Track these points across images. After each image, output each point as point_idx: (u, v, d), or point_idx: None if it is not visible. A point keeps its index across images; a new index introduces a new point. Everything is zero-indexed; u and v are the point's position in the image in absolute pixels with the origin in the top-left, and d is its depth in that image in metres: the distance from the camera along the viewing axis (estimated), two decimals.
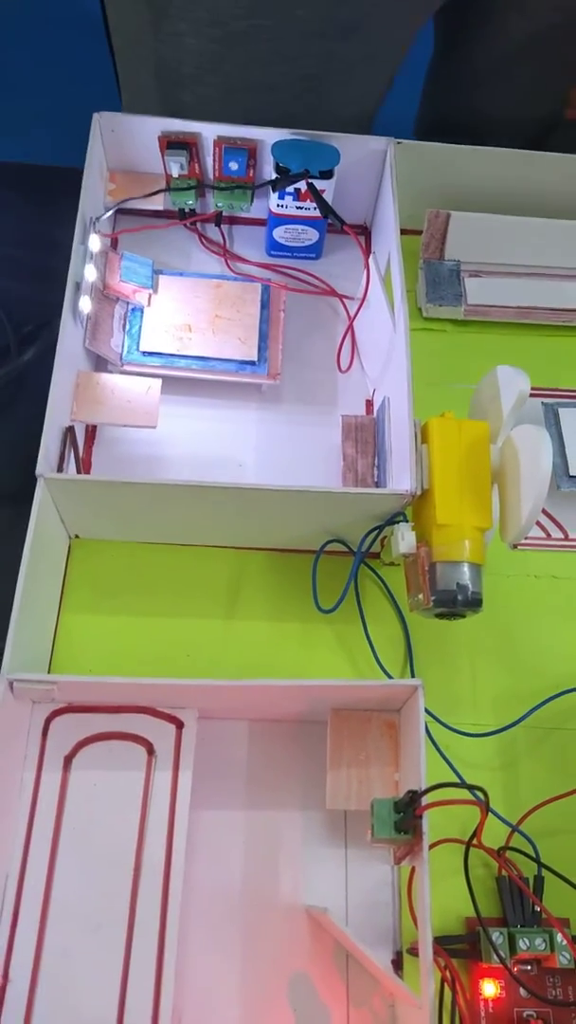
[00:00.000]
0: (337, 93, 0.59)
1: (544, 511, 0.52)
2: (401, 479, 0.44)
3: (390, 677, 0.47)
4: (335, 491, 0.43)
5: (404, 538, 0.43)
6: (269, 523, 0.47)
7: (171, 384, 0.51)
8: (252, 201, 0.56)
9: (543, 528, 0.51)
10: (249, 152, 0.53)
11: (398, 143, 0.54)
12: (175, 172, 0.54)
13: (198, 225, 0.58)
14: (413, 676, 0.47)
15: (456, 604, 0.42)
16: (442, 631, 0.48)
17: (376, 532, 0.45)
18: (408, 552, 0.43)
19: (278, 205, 0.55)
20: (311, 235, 0.57)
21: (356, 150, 0.54)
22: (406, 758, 0.41)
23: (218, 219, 0.57)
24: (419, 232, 0.57)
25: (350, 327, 0.56)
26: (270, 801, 0.43)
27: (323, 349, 0.56)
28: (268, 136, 0.53)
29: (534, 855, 0.43)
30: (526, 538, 0.51)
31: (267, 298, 0.55)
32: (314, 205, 0.54)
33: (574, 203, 0.57)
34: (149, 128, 0.53)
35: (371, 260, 0.53)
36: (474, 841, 0.37)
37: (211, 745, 0.44)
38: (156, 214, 0.57)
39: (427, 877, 0.35)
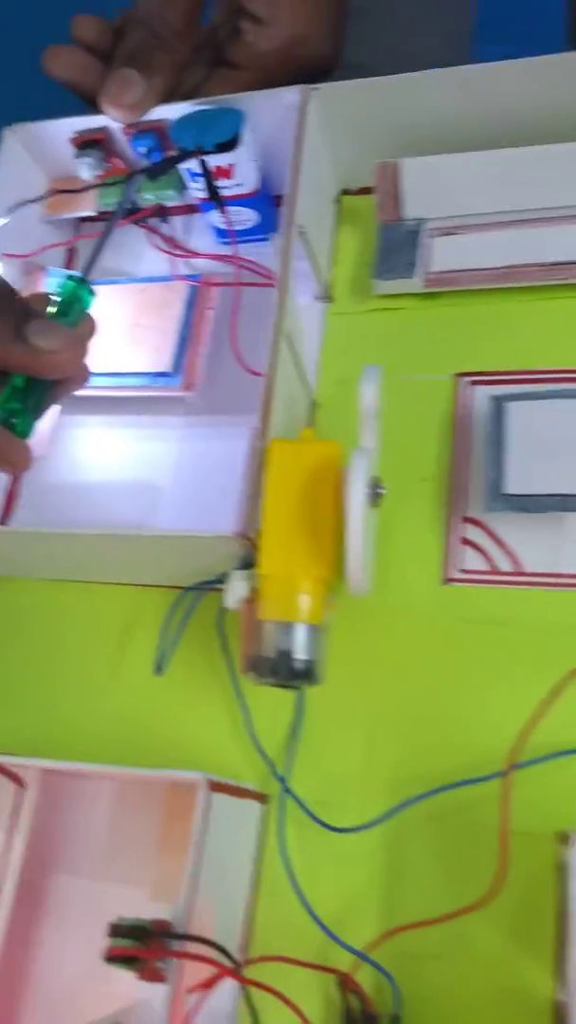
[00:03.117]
0: None
1: (490, 533, 0.40)
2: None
3: (260, 749, 0.39)
4: (149, 535, 0.37)
5: (234, 589, 0.36)
6: (143, 564, 0.42)
7: (85, 404, 0.48)
8: (183, 188, 0.50)
9: (487, 556, 0.40)
10: (158, 133, 0.47)
11: (314, 89, 0.44)
12: (85, 174, 0.49)
13: (149, 222, 0.53)
14: (291, 751, 0.39)
15: (276, 675, 0.34)
16: (345, 691, 0.40)
17: (218, 581, 0.38)
18: (235, 607, 0.36)
19: (196, 190, 0.48)
20: (249, 215, 0.49)
21: (267, 108, 0.45)
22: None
23: (158, 212, 0.52)
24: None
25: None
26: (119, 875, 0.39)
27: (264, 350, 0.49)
28: (175, 112, 0.46)
29: (391, 989, 0.34)
30: (462, 571, 0.41)
31: (194, 297, 0.49)
32: (237, 183, 0.47)
33: (557, 119, 0.43)
34: (63, 132, 0.49)
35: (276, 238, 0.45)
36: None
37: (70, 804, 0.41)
38: (102, 218, 0.53)
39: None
